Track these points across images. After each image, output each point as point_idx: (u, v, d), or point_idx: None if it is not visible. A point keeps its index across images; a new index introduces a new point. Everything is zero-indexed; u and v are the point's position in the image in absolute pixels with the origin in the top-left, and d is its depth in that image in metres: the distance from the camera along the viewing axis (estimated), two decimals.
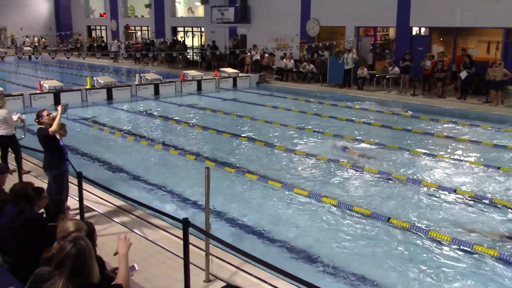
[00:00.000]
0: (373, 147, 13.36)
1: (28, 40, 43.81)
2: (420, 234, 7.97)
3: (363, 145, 13.62)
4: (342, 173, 11.21)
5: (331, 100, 20.82)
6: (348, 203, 9.22)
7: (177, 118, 17.58)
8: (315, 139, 14.29)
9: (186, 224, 5.35)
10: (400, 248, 7.58)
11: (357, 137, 14.33)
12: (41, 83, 20.30)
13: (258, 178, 10.67)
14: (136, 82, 22.62)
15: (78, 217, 7.19)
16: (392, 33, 26.70)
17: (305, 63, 25.74)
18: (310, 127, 15.69)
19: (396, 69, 22.53)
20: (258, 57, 27.32)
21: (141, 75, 23.35)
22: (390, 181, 10.62)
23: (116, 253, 4.15)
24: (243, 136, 14.42)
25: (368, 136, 14.51)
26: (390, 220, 8.40)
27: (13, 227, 5.15)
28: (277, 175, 10.96)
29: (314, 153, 12.63)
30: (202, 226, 5.69)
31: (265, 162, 12.12)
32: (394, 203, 9.40)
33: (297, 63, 26.18)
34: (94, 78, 21.93)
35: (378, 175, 10.92)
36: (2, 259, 5.39)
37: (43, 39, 44.06)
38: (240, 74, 25.98)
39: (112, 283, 3.86)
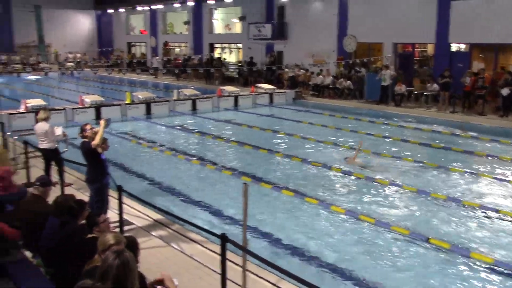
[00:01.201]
0: (413, 164, 13.15)
1: (70, 56, 45.18)
2: (461, 254, 7.76)
3: (400, 162, 13.41)
4: (380, 191, 11.05)
5: (368, 117, 20.63)
6: (386, 222, 9.07)
7: (213, 133, 17.73)
8: (351, 156, 14.14)
9: (224, 239, 5.37)
10: (438, 268, 7.39)
11: (394, 154, 14.13)
12: (83, 98, 20.85)
13: (294, 194, 10.63)
14: (174, 98, 22.97)
15: (117, 230, 7.30)
16: (430, 49, 26.36)
17: (342, 79, 25.64)
18: (346, 144, 15.57)
19: (435, 85, 22.17)
20: (294, 74, 27.40)
21: (179, 90, 23.71)
22: (428, 199, 10.40)
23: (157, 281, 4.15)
24: (279, 152, 14.42)
25: (406, 154, 14.28)
26: (430, 240, 8.22)
27: (56, 239, 5.27)
28: (314, 192, 10.89)
29: (351, 170, 12.51)
30: (238, 242, 5.70)
31: (302, 178, 12.06)
32: (434, 222, 9.20)
33: (333, 79, 26.11)
34: (134, 94, 22.38)
35: (417, 194, 10.72)
36: (44, 270, 5.53)
37: (85, 55, 45.37)
38: (277, 90, 26.05)
39: None
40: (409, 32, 24.38)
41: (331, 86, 25.83)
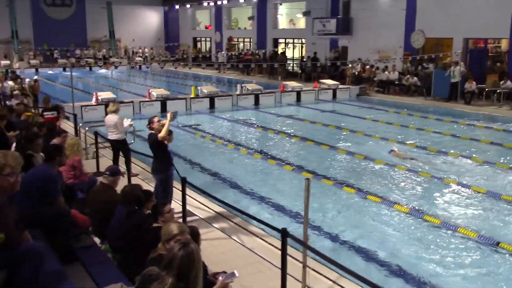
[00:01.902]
0: (483, 165, 12.61)
1: (139, 51, 46.59)
2: None
3: (469, 162, 12.89)
4: (446, 191, 10.68)
5: (435, 115, 19.96)
6: (452, 223, 8.75)
7: (276, 128, 17.76)
8: (417, 154, 13.75)
9: (285, 234, 5.36)
10: (507, 274, 7.05)
11: (463, 154, 13.59)
12: (150, 91, 21.47)
13: (356, 191, 10.47)
14: (238, 92, 23.20)
15: (180, 220, 7.46)
16: (504, 45, 25.12)
17: (408, 75, 24.95)
18: (412, 141, 15.14)
19: (509, 83, 21.12)
20: (358, 70, 26.95)
21: (242, 85, 23.91)
22: (498, 202, 9.94)
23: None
24: (342, 149, 14.23)
25: (475, 154, 13.70)
26: (500, 245, 7.85)
27: (123, 228, 5.45)
28: (377, 190, 10.67)
29: (417, 169, 12.16)
30: (299, 237, 5.67)
31: (364, 175, 11.86)
32: (504, 225, 8.78)
33: (400, 76, 25.44)
34: (198, 88, 22.80)
35: (486, 195, 10.27)
36: (112, 256, 5.74)
37: (152, 50, 46.64)
38: (340, 86, 25.73)
39: None
40: (482, 27, 23.31)
41: (397, 82, 25.19)
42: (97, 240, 6.25)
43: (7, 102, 15.11)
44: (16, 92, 16.22)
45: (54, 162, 6.13)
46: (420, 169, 12.10)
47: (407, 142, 14.98)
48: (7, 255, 3.85)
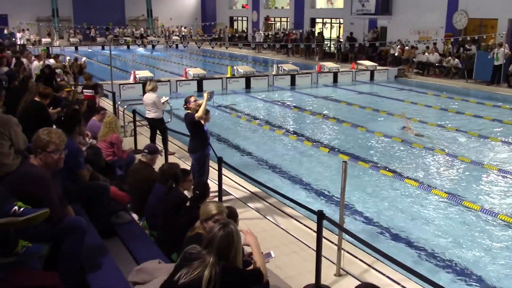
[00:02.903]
0: None
1: (176, 30, 46.79)
2: None
3: (510, 147, 12.53)
4: (486, 176, 10.43)
5: (476, 98, 19.43)
6: (492, 210, 8.55)
7: (312, 109, 17.62)
8: (457, 139, 13.45)
9: (320, 216, 5.34)
10: None
11: (504, 139, 13.22)
12: (187, 70, 21.58)
13: (393, 175, 10.34)
14: (274, 72, 23.08)
15: (216, 199, 7.54)
16: None
17: (449, 57, 24.29)
18: (451, 125, 14.79)
19: None
20: (398, 51, 26.38)
21: (279, 65, 23.76)
22: None
23: (250, 254, 4.26)
24: (379, 132, 14.04)
25: None
26: None
27: (161, 205, 5.53)
28: (415, 174, 10.52)
29: (456, 153, 11.90)
30: (335, 219, 5.64)
31: (402, 159, 11.69)
32: None
33: (440, 57, 24.79)
34: (234, 67, 22.79)
35: None
36: (149, 233, 5.85)
37: (189, 29, 46.77)
38: (378, 68, 25.29)
39: (252, 268, 3.99)
40: None
41: (437, 64, 24.56)
42: (135, 216, 6.37)
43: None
44: (58, 70, 16.55)
45: (74, 132, 5.70)
46: (459, 154, 11.82)
47: (447, 126, 14.65)
48: (51, 229, 3.96)
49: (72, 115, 5.94)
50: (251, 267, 4.14)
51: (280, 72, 23.11)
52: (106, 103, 15.68)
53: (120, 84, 18.98)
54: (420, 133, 13.52)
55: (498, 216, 8.28)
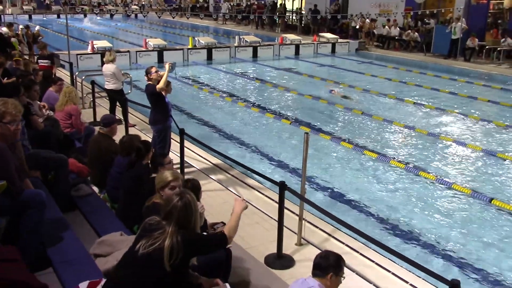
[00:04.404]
0: (480, 123, 12.64)
1: None
2: None
3: (467, 120, 12.93)
4: (442, 148, 10.75)
5: (434, 71, 19.85)
6: (447, 180, 8.86)
7: (274, 81, 17.65)
8: (415, 111, 13.77)
9: (282, 187, 5.41)
10: (503, 233, 7.21)
11: (461, 112, 13.61)
12: (147, 41, 21.14)
13: (353, 147, 10.53)
14: (236, 44, 22.91)
15: (178, 171, 7.50)
16: (507, 2, 24.69)
17: (409, 31, 24.63)
18: (410, 98, 15.11)
19: (509, 40, 20.91)
20: (359, 24, 26.56)
21: (241, 37, 23.58)
22: (494, 160, 10.04)
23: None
24: (340, 104, 14.20)
25: (472, 112, 13.72)
26: (493, 202, 7.97)
27: (123, 178, 5.48)
28: (373, 146, 10.74)
29: (413, 125, 12.20)
30: (297, 190, 5.73)
31: (361, 131, 11.90)
32: (498, 183, 8.90)
33: (400, 31, 25.10)
34: (196, 38, 22.49)
35: (482, 153, 10.35)
36: (111, 206, 5.80)
37: None
38: (340, 40, 25.42)
39: (216, 232, 4.05)
40: None
41: (397, 37, 24.89)
42: (95, 189, 6.30)
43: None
44: (13, 39, 15.93)
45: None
46: (417, 127, 12.11)
47: (405, 99, 14.95)
48: (9, 203, 3.88)
49: (13, 85, 5.79)
50: (220, 229, 4.22)
51: (242, 43, 22.96)
52: (63, 74, 15.27)
53: (77, 55, 18.44)
54: (347, 96, 14.98)
55: (452, 186, 8.58)
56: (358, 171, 9.37)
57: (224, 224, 4.64)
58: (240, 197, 4.23)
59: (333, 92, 15.15)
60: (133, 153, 5.55)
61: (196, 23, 36.07)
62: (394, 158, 9.96)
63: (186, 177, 5.83)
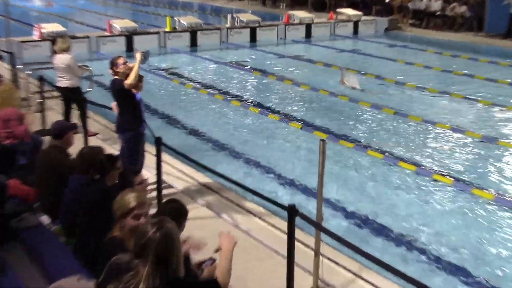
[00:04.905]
0: None
1: None
2: None
3: None
4: (501, 156, 10.75)
5: (489, 56, 19.88)
6: (509, 200, 8.84)
7: (278, 73, 17.67)
8: (464, 109, 13.77)
9: (292, 212, 5.34)
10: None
11: None
12: (111, 23, 21.18)
13: (384, 158, 10.49)
14: (228, 25, 22.95)
15: (155, 194, 7.47)
16: None
17: (454, 3, 24.69)
18: (457, 92, 15.11)
19: None
20: None
21: (234, 15, 23.63)
22: None
23: (217, 250, 4.26)
24: (366, 101, 14.19)
25: None
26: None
27: (80, 202, 5.43)
28: (410, 155, 10.70)
29: (464, 127, 12.19)
30: (311, 217, 5.68)
31: (395, 136, 11.87)
32: None
33: (443, 4, 25.17)
34: (176, 19, 22.54)
35: None
36: (66, 241, 5.74)
37: None
38: (364, 18, 25.50)
39: (207, 277, 4.00)
40: None
41: (439, 13, 24.95)
42: (45, 219, 6.25)
43: None
44: None
45: None
46: (467, 128, 12.10)
47: (451, 93, 14.95)
48: None
49: None
50: (205, 274, 4.16)
51: (236, 24, 23.01)
52: (1, 68, 15.25)
53: (20, 42, 18.47)
54: (359, 87, 15.08)
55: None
56: (391, 189, 9.32)
57: (214, 260, 4.59)
58: (227, 232, 4.16)
59: (341, 81, 15.64)
60: (94, 170, 5.51)
61: None
62: (438, 171, 9.93)
63: (164, 199, 5.79)
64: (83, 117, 10.35)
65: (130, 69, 7.60)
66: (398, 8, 26.26)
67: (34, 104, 12.26)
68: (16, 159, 7.50)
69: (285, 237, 5.52)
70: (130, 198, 4.40)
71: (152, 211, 5.15)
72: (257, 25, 23.24)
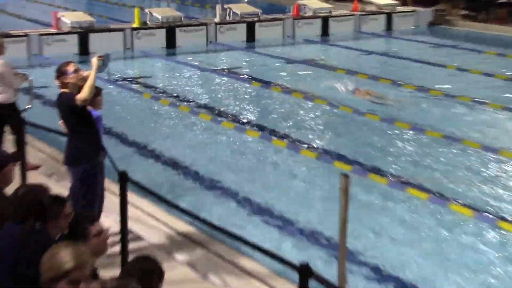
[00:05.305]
0: None
1: None
2: None
3: None
4: None
5: None
6: None
7: (283, 83, 17.72)
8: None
9: (305, 273, 5.34)
10: None
11: None
12: (59, 16, 21.22)
13: (429, 198, 10.47)
14: (217, 19, 23.03)
15: (118, 247, 7.46)
16: None
17: None
18: None
19: None
20: None
21: (225, 6, 23.69)
22: None
23: None
24: (404, 121, 14.21)
25: None
26: None
27: (15, 257, 5.42)
28: (465, 195, 10.69)
29: None
30: (329, 279, 5.66)
31: (443, 169, 11.86)
32: None
33: None
34: (147, 11, 22.62)
35: None
36: None
37: None
38: (399, 8, 25.65)
39: None
40: None
41: (501, 1, 25.12)
42: None
43: None
44: None
45: None
46: None
47: None
48: None
49: None
50: None
51: (228, 18, 23.13)
52: None
53: None
54: (379, 95, 15.52)
55: None
56: (439, 240, 9.31)
57: None
58: None
59: (357, 91, 15.61)
60: (34, 216, 5.50)
61: None
62: (506, 218, 9.94)
63: (131, 256, 5.77)
64: (21, 142, 10.33)
65: (85, 79, 7.61)
66: None
67: None
68: None
69: None
70: (66, 256, 4.30)
71: (115, 272, 5.14)
72: (256, 19, 23.36)
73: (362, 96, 15.39)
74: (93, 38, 20.61)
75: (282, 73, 19.10)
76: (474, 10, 25.73)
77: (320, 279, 5.45)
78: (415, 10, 25.95)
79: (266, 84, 17.68)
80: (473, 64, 19.42)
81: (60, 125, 8.20)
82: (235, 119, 14.70)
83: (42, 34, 20.54)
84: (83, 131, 7.78)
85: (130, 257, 6.07)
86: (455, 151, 12.63)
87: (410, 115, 14.77)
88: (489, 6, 25.35)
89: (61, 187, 8.70)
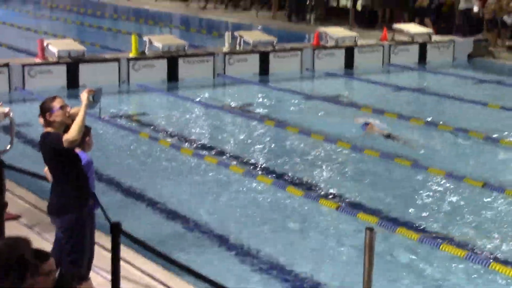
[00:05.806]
0: None
1: None
2: None
3: None
4: None
5: None
6: None
7: (303, 123, 17.78)
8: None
9: None
10: None
11: None
12: (45, 44, 21.34)
13: (467, 255, 10.46)
14: (225, 49, 23.13)
15: None
16: None
17: None
18: None
19: None
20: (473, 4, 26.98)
21: (235, 33, 23.80)
22: None
23: None
24: (438, 168, 14.23)
25: None
26: None
27: None
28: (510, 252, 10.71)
29: None
30: None
31: (484, 225, 11.85)
32: None
33: None
34: (146, 38, 22.75)
35: None
36: None
37: None
38: (435, 37, 25.72)
39: None
40: None
41: None
42: None
43: None
44: None
45: None
46: None
47: None
48: None
49: None
50: None
51: (238, 47, 23.25)
52: None
53: None
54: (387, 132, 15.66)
55: None
56: None
57: None
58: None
59: (369, 128, 15.78)
60: (12, 274, 5.54)
61: (145, 7, 36.71)
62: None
63: None
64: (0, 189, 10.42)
65: (73, 116, 7.66)
66: (489, 22, 26.41)
67: None
68: None
69: None
70: None
71: None
72: (270, 48, 23.46)
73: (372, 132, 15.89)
74: (84, 69, 20.72)
75: (300, 111, 19.16)
76: None
77: None
78: (453, 39, 25.96)
79: (281, 123, 17.75)
80: None
81: (45, 172, 8.23)
82: (244, 163, 14.74)
83: (25, 65, 20.60)
84: (70, 177, 7.81)
85: None
86: (498, 202, 12.62)
87: (446, 159, 14.78)
88: None
89: (43, 241, 8.75)
